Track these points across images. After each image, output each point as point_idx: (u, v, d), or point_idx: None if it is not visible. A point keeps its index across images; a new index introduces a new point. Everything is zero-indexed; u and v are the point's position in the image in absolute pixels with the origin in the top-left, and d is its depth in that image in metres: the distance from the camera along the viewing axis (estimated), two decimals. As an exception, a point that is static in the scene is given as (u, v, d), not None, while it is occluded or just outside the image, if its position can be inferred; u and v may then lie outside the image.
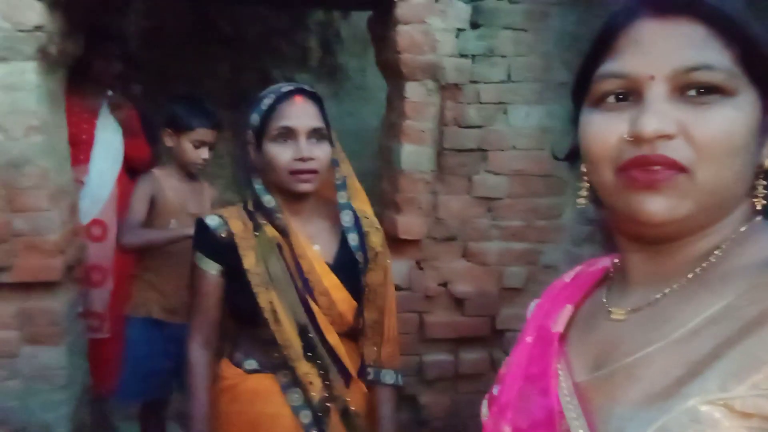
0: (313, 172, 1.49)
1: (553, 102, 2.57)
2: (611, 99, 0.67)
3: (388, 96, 2.72)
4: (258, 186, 1.54)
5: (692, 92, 0.62)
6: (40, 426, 2.31)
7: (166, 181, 2.38)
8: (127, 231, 2.35)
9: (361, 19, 3.67)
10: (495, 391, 0.80)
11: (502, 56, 2.52)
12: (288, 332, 1.49)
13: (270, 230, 1.53)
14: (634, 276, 0.71)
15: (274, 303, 1.49)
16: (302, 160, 1.47)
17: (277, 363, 1.53)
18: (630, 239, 0.70)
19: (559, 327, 0.76)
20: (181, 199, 2.37)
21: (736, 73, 0.62)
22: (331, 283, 1.53)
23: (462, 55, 2.48)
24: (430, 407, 2.70)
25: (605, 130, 0.66)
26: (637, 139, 0.62)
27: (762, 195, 0.65)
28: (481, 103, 2.53)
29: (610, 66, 0.67)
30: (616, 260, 0.77)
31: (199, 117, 2.32)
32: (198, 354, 1.57)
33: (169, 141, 2.36)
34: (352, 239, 1.59)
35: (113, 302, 2.80)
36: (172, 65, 3.98)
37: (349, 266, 1.58)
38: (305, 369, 1.51)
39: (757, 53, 0.63)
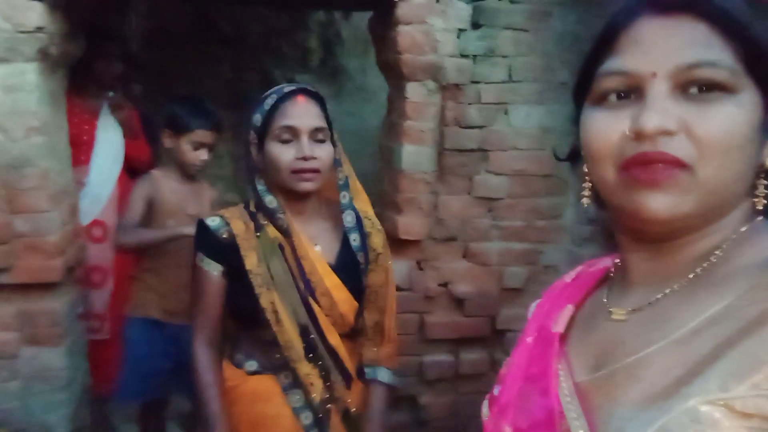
0: (315, 171, 1.49)
1: (554, 102, 2.56)
2: (613, 97, 0.67)
3: (388, 96, 2.72)
4: (260, 186, 1.54)
5: (694, 89, 0.62)
6: (40, 427, 2.30)
7: (164, 182, 2.38)
8: (123, 231, 2.35)
9: (361, 19, 3.67)
10: (495, 391, 0.79)
11: (503, 56, 2.52)
12: (289, 333, 1.49)
13: (272, 231, 1.53)
14: (634, 276, 0.71)
15: (276, 304, 1.49)
16: (304, 159, 1.47)
17: (278, 364, 1.53)
18: (631, 238, 0.70)
19: (559, 327, 0.75)
20: (179, 200, 2.37)
21: (738, 71, 0.62)
22: (332, 284, 1.53)
23: (463, 56, 2.48)
24: (431, 408, 2.70)
25: (607, 128, 0.66)
26: (638, 136, 0.62)
27: (762, 195, 0.65)
28: (481, 103, 2.53)
29: (611, 64, 0.67)
30: (617, 260, 0.77)
31: (198, 118, 2.32)
32: (204, 353, 1.57)
33: (168, 142, 2.36)
34: (354, 240, 1.59)
35: (113, 303, 2.80)
36: (173, 65, 3.98)
37: (350, 267, 1.58)
38: (306, 370, 1.51)
39: (758, 52, 0.63)
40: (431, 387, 2.70)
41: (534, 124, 2.58)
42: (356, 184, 1.65)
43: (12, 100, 2.16)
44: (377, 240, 1.64)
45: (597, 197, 0.72)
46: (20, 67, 2.14)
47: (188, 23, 4.06)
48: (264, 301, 1.48)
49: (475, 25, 2.50)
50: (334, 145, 1.55)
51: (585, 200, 0.73)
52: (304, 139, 1.48)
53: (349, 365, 1.58)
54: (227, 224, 1.53)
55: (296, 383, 1.52)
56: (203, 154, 2.35)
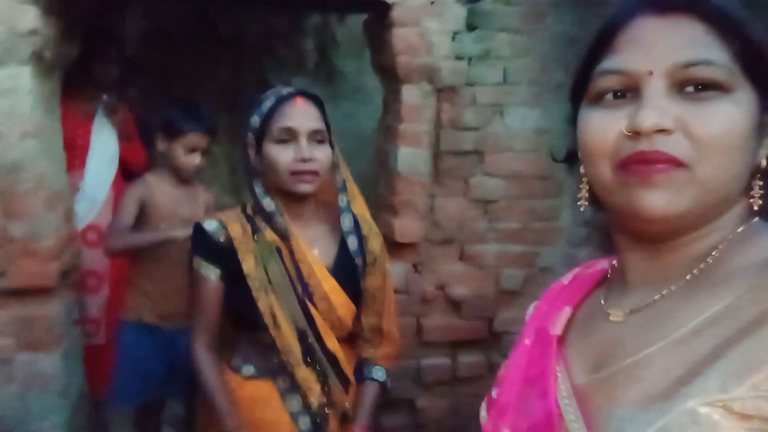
0: (314, 173, 1.49)
1: (549, 104, 2.57)
2: (610, 96, 0.67)
3: (384, 99, 2.72)
4: (258, 189, 1.54)
5: (690, 88, 0.62)
6: (36, 432, 2.29)
7: (157, 186, 2.37)
8: (112, 235, 2.35)
9: (357, 22, 3.66)
10: (494, 393, 0.79)
11: (499, 58, 2.53)
12: (287, 337, 1.48)
13: (269, 234, 1.52)
14: (632, 277, 0.71)
15: (274, 307, 1.48)
16: (303, 160, 1.47)
17: (276, 368, 1.52)
18: (629, 239, 0.70)
19: (557, 329, 0.75)
20: (172, 203, 2.36)
21: (735, 71, 0.62)
22: (330, 287, 1.53)
23: (458, 58, 2.49)
24: (428, 411, 2.69)
25: (604, 126, 0.66)
26: (635, 134, 0.62)
27: (758, 195, 0.65)
28: (477, 105, 2.53)
29: (608, 63, 0.67)
30: (615, 262, 0.77)
31: (191, 122, 2.31)
32: (204, 355, 1.56)
33: (161, 145, 2.35)
34: (352, 243, 1.59)
35: (109, 308, 2.79)
36: (172, 66, 3.97)
37: (348, 270, 1.58)
38: (304, 374, 1.50)
39: (755, 52, 0.63)
40: (429, 390, 2.69)
41: (530, 126, 2.58)
42: (353, 188, 1.65)
43: (6, 104, 2.14)
44: (375, 243, 1.63)
45: (594, 198, 0.72)
46: (14, 70, 2.13)
47: (187, 24, 4.05)
48: (262, 305, 1.48)
49: (471, 27, 2.50)
50: (332, 147, 1.55)
51: (581, 201, 0.73)
52: (303, 140, 1.47)
53: (348, 369, 1.58)
54: (224, 227, 1.53)
55: (294, 388, 1.51)
56: (196, 158, 2.34)
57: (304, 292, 1.52)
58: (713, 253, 0.65)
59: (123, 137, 3.01)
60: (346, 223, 1.59)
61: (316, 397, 1.51)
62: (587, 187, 0.72)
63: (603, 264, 0.82)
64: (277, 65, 4.32)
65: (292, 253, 1.53)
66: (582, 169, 0.71)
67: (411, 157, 2.51)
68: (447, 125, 2.53)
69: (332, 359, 1.54)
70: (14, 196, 2.19)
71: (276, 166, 1.48)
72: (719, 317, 0.58)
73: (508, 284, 2.66)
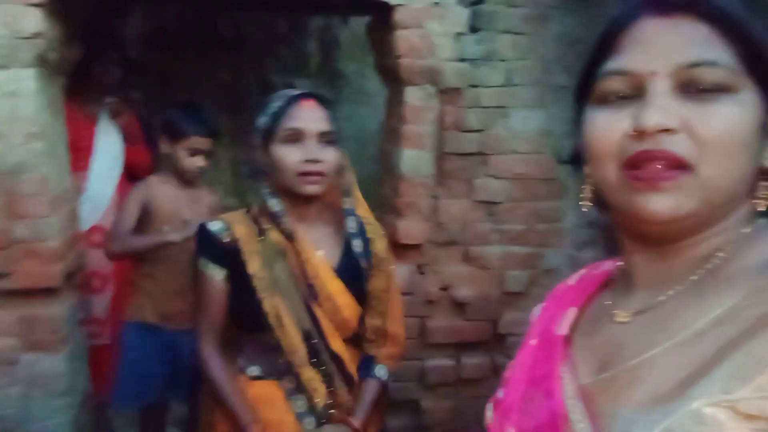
0: (321, 174, 1.49)
1: (553, 105, 2.57)
2: (614, 97, 0.67)
3: (387, 100, 2.72)
4: (264, 190, 1.54)
5: (694, 89, 0.62)
6: (40, 433, 2.30)
7: (160, 188, 2.38)
8: (113, 238, 2.36)
9: (360, 24, 3.67)
10: (500, 394, 0.79)
11: (502, 60, 2.52)
12: (292, 338, 1.49)
13: (274, 235, 1.53)
14: (638, 278, 0.71)
15: (279, 308, 1.48)
16: (310, 161, 1.47)
17: (281, 369, 1.52)
18: (634, 240, 0.70)
19: (563, 330, 0.75)
20: (175, 206, 2.37)
21: (738, 72, 0.62)
22: (335, 289, 1.53)
23: (461, 60, 2.48)
24: (432, 412, 2.69)
25: (608, 127, 0.66)
26: (639, 134, 0.62)
27: (763, 196, 0.65)
28: (480, 107, 2.53)
29: (612, 64, 0.67)
30: (620, 263, 0.77)
31: (194, 125, 2.31)
32: (213, 355, 1.56)
33: (164, 148, 2.36)
34: (357, 245, 1.59)
35: (113, 308, 2.80)
36: (173, 68, 3.98)
37: (352, 272, 1.58)
38: (309, 375, 1.50)
39: (758, 53, 0.63)
40: (433, 391, 2.69)
41: (533, 127, 2.58)
42: (357, 192, 1.65)
43: (11, 106, 2.15)
44: (379, 245, 1.64)
45: (599, 200, 0.72)
46: (18, 73, 2.14)
47: (188, 25, 4.06)
48: (267, 306, 1.48)
49: (473, 29, 2.50)
50: (339, 149, 1.55)
51: (585, 203, 0.73)
52: (311, 141, 1.48)
53: (352, 370, 1.58)
54: (229, 228, 1.53)
55: (299, 388, 1.52)
56: (199, 161, 2.34)
57: (309, 293, 1.52)
58: (718, 255, 0.65)
59: (127, 139, 3.02)
60: (351, 225, 1.60)
61: (321, 397, 1.51)
62: (590, 188, 0.72)
63: (608, 265, 0.82)
64: (280, 67, 4.32)
65: (297, 254, 1.53)
66: (586, 170, 0.71)
67: (414, 159, 2.51)
68: (450, 127, 2.53)
69: (337, 360, 1.54)
70: (19, 197, 2.20)
71: (283, 166, 1.48)
72: (724, 318, 0.58)
73: (513, 286, 2.66)
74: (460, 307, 2.65)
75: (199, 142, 2.33)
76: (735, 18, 0.63)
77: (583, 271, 0.85)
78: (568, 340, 0.75)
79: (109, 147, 2.95)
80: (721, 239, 0.65)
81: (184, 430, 2.76)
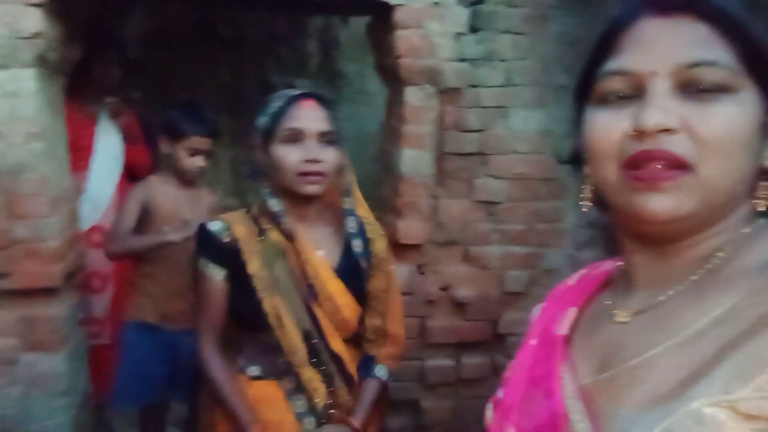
0: (321, 174, 1.49)
1: (552, 105, 2.57)
2: (614, 97, 0.67)
3: (387, 100, 2.72)
4: (264, 189, 1.54)
5: (694, 89, 0.62)
6: (40, 433, 2.30)
7: (160, 188, 2.38)
8: (113, 239, 2.36)
9: (360, 24, 3.67)
10: (500, 394, 0.79)
11: (502, 60, 2.52)
12: (292, 338, 1.49)
13: (274, 235, 1.53)
14: (638, 278, 0.71)
15: (279, 308, 1.48)
16: (310, 161, 1.47)
17: (281, 369, 1.52)
18: (634, 240, 0.70)
19: (563, 330, 0.75)
20: (174, 206, 2.37)
21: (738, 72, 0.62)
22: (335, 289, 1.53)
23: (461, 59, 2.48)
24: (432, 412, 2.69)
25: (608, 127, 0.66)
26: (639, 134, 0.62)
27: (764, 196, 0.65)
28: (480, 107, 2.53)
29: (612, 64, 0.67)
30: (620, 263, 0.77)
31: (194, 125, 2.31)
32: (213, 356, 1.56)
33: (164, 148, 2.36)
34: (357, 246, 1.59)
35: (113, 308, 2.80)
36: (173, 68, 3.98)
37: (352, 272, 1.58)
38: (309, 375, 1.50)
39: (758, 53, 0.63)
40: (433, 391, 2.69)
41: (533, 127, 2.58)
42: (357, 193, 1.65)
43: (11, 106, 2.15)
44: (379, 245, 1.64)
45: (599, 200, 0.72)
46: (18, 73, 2.14)
47: (188, 26, 4.06)
48: (267, 306, 1.48)
49: (473, 29, 2.50)
50: (339, 149, 1.55)
51: (584, 203, 0.73)
52: (311, 141, 1.48)
53: (352, 370, 1.58)
54: (229, 228, 1.53)
55: (299, 388, 1.52)
56: (199, 161, 2.34)
57: (309, 293, 1.52)
58: (718, 255, 0.65)
59: (127, 139, 3.02)
60: (352, 225, 1.60)
61: (321, 397, 1.51)
62: (590, 188, 0.72)
63: (609, 265, 0.82)
64: (280, 67, 4.33)
65: (297, 254, 1.53)
66: (586, 170, 0.71)
67: (414, 159, 2.51)
68: (450, 127, 2.53)
69: (337, 360, 1.54)
70: (19, 197, 2.20)
71: (283, 166, 1.48)
72: (724, 318, 0.58)
73: (513, 286, 2.66)
74: (460, 307, 2.65)
75: (199, 142, 2.33)
76: (735, 18, 0.63)
77: (583, 271, 0.85)
78: (568, 340, 0.75)
79: (109, 147, 2.95)
80: (721, 239, 0.65)
81: (184, 430, 2.76)
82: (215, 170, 3.75)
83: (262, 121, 1.52)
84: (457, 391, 2.70)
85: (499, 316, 2.66)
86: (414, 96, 2.47)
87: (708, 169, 0.61)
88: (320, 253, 1.56)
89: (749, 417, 0.51)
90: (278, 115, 1.50)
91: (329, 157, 1.50)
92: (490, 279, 2.64)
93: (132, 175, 2.99)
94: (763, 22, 0.65)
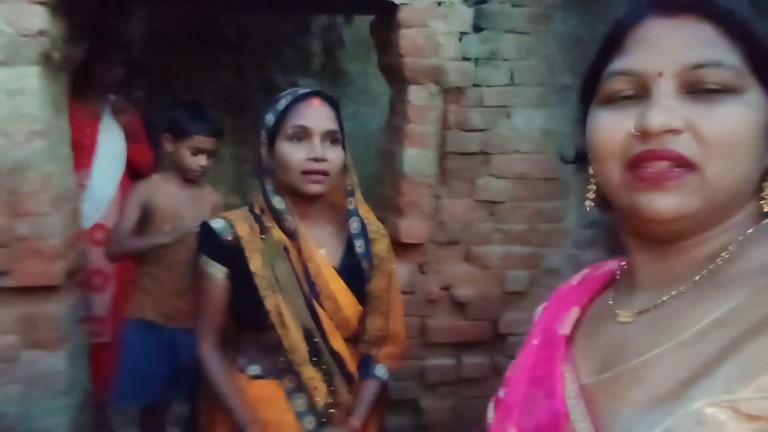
0: (325, 173, 1.49)
1: (556, 105, 2.56)
2: (619, 97, 0.67)
3: (390, 100, 2.72)
4: (268, 187, 1.54)
5: (699, 90, 0.62)
6: (40, 431, 2.30)
7: (162, 187, 2.38)
8: (111, 240, 2.37)
9: (363, 23, 3.67)
10: (501, 393, 0.79)
11: (505, 59, 2.52)
12: (294, 336, 1.48)
13: (277, 233, 1.52)
14: (640, 278, 0.71)
15: (281, 306, 1.48)
16: (315, 160, 1.47)
17: (281, 368, 1.52)
18: (637, 240, 0.70)
19: (565, 329, 0.75)
20: (176, 204, 2.37)
21: (744, 72, 0.62)
22: (337, 288, 1.53)
23: (465, 59, 2.48)
24: (432, 412, 2.69)
25: (612, 126, 0.66)
26: (643, 134, 0.62)
27: None
28: (483, 106, 2.53)
29: (618, 64, 0.67)
30: (623, 263, 0.77)
31: (197, 124, 2.31)
32: (212, 355, 1.56)
33: (168, 146, 2.36)
34: (359, 246, 1.59)
35: (114, 307, 2.80)
36: (176, 68, 3.99)
37: (354, 272, 1.58)
38: (310, 374, 1.50)
39: (764, 53, 0.63)
40: (433, 391, 2.69)
41: (536, 127, 2.58)
42: (358, 194, 1.65)
43: (14, 104, 2.16)
44: (381, 245, 1.64)
45: (602, 200, 0.72)
46: (22, 70, 2.14)
47: (191, 27, 4.06)
48: (269, 304, 1.48)
49: (477, 29, 2.50)
50: (344, 150, 1.55)
51: (588, 203, 0.73)
52: (317, 140, 1.48)
53: (352, 369, 1.58)
54: (232, 226, 1.53)
55: (300, 387, 1.51)
56: (202, 160, 2.34)
57: (311, 292, 1.52)
58: (723, 255, 0.64)
59: (130, 137, 3.02)
60: (354, 226, 1.59)
61: (322, 396, 1.51)
62: (595, 188, 0.72)
63: (611, 265, 0.81)
64: (283, 67, 4.33)
65: (299, 252, 1.53)
66: (590, 170, 0.71)
67: (417, 158, 2.51)
68: (453, 126, 2.52)
69: (338, 359, 1.54)
70: (21, 195, 2.20)
71: (288, 164, 1.48)
72: (727, 319, 0.58)
73: (514, 285, 2.65)
74: (460, 306, 2.65)
75: (202, 141, 2.33)
76: (740, 18, 0.63)
77: (585, 271, 0.85)
78: (570, 339, 0.75)
79: (111, 145, 2.95)
80: (725, 239, 0.65)
81: (184, 430, 2.76)
82: (217, 169, 3.76)
83: (269, 117, 1.52)
84: (457, 391, 2.70)
85: (499, 315, 2.66)
86: (417, 95, 2.47)
87: (712, 169, 0.61)
88: (322, 251, 1.56)
89: (750, 417, 0.51)
90: (285, 112, 1.50)
91: (334, 156, 1.50)
92: (491, 279, 2.64)
93: (134, 173, 2.99)
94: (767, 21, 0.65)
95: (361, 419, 1.56)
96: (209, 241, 1.54)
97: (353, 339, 1.61)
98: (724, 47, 0.62)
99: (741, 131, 0.61)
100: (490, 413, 0.80)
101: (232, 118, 3.87)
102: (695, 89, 0.62)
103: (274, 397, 1.53)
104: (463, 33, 2.47)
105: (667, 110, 0.61)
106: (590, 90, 0.71)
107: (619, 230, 0.73)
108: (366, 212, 1.66)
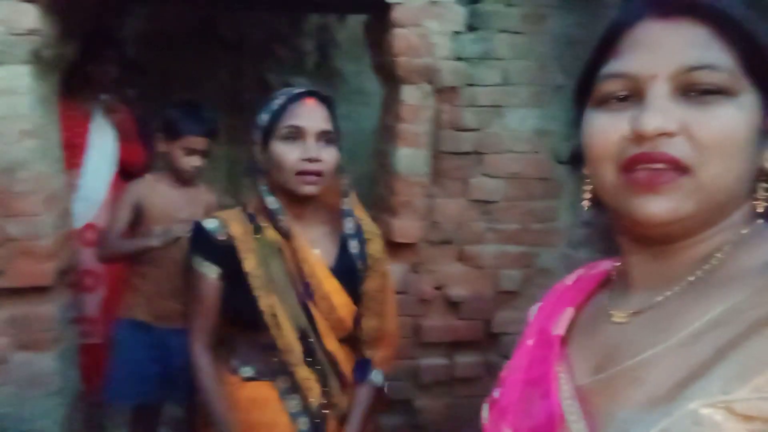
0: (319, 174, 1.48)
1: (549, 105, 2.57)
2: (614, 99, 0.67)
3: (383, 99, 2.72)
4: (262, 187, 1.53)
5: (694, 92, 0.62)
6: (32, 432, 2.29)
7: (155, 187, 2.36)
8: (102, 242, 2.36)
9: (357, 22, 3.67)
10: (496, 394, 0.79)
11: (498, 59, 2.53)
12: (288, 336, 1.48)
13: (271, 233, 1.52)
14: (635, 279, 0.71)
15: (275, 307, 1.47)
16: (310, 160, 1.46)
17: (275, 369, 1.51)
18: (632, 241, 0.70)
19: (560, 330, 0.75)
20: (169, 205, 2.35)
21: (738, 74, 0.62)
22: (331, 288, 1.52)
23: (458, 58, 2.49)
24: (426, 411, 2.69)
25: (607, 129, 0.66)
26: (638, 137, 0.62)
27: (762, 198, 0.65)
28: (477, 106, 2.53)
29: (612, 66, 0.67)
30: (618, 263, 0.77)
31: (190, 124, 2.30)
32: (203, 358, 1.55)
33: (161, 146, 2.35)
34: (354, 247, 1.58)
35: (106, 307, 2.79)
36: (172, 68, 3.98)
37: (348, 272, 1.57)
38: (305, 374, 1.50)
39: (758, 55, 0.63)
40: (426, 390, 2.69)
41: (529, 127, 2.58)
42: (353, 194, 1.64)
43: (5, 103, 2.14)
44: (375, 246, 1.63)
45: (598, 200, 0.72)
46: (13, 69, 2.13)
47: (187, 25, 4.06)
48: (263, 304, 1.47)
49: (471, 28, 2.50)
50: (339, 150, 1.54)
51: (585, 203, 0.73)
52: (311, 140, 1.47)
53: (346, 370, 1.57)
54: (225, 226, 1.52)
55: (294, 388, 1.51)
56: (195, 160, 2.33)
57: (305, 292, 1.51)
58: (717, 255, 0.64)
59: (122, 137, 3.00)
60: (349, 227, 1.59)
61: (316, 397, 1.51)
62: (591, 189, 0.72)
63: (606, 265, 0.81)
64: (277, 66, 4.33)
65: (294, 252, 1.52)
66: (585, 171, 0.71)
67: (410, 158, 2.51)
68: (446, 126, 2.53)
69: (332, 359, 1.53)
70: (12, 195, 2.18)
71: (282, 164, 1.47)
72: (722, 319, 0.58)
73: (507, 285, 2.66)
74: (454, 306, 2.65)
75: (195, 141, 2.31)
76: (735, 20, 0.63)
77: (580, 271, 0.85)
78: (564, 340, 0.75)
79: (103, 145, 2.94)
80: (719, 240, 0.65)
81: (178, 429, 2.75)
82: (211, 169, 3.75)
83: (263, 117, 1.51)
84: (450, 391, 2.70)
85: (493, 315, 2.67)
86: (411, 95, 2.47)
87: (706, 171, 0.61)
88: (316, 252, 1.55)
89: (747, 418, 0.51)
90: (279, 112, 1.49)
91: (328, 156, 1.49)
92: (484, 278, 2.64)
93: (126, 172, 2.97)
94: (764, 24, 0.65)
95: (356, 429, 1.56)
96: (202, 241, 1.53)
97: (348, 340, 1.61)
98: (718, 49, 0.62)
99: (735, 134, 0.61)
100: (485, 414, 0.80)
101: (227, 118, 3.86)
102: (689, 92, 0.62)
103: (268, 399, 1.52)
104: (456, 32, 2.47)
105: (661, 113, 0.61)
106: (585, 91, 0.71)
107: (614, 231, 0.73)
108: (360, 213, 1.65)
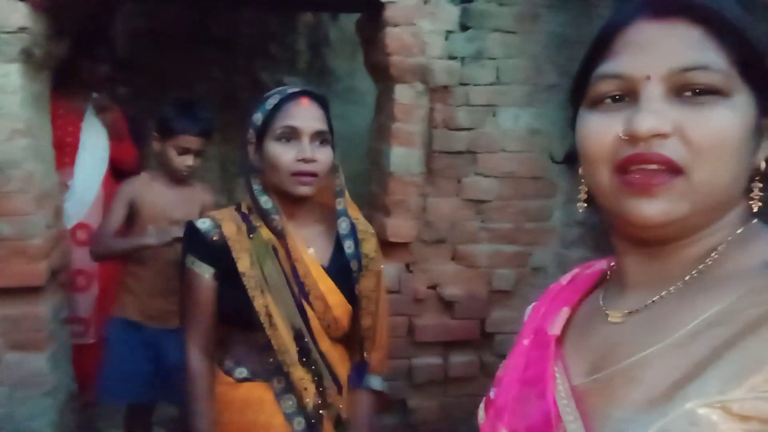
0: (314, 174, 1.47)
1: (542, 104, 2.57)
2: (608, 100, 0.67)
3: (377, 98, 2.72)
4: (256, 186, 1.52)
5: (688, 93, 0.62)
6: (24, 433, 2.28)
7: (149, 186, 2.35)
8: (96, 241, 2.35)
9: (350, 21, 3.67)
10: (492, 394, 0.79)
11: (492, 58, 2.53)
12: (283, 337, 1.47)
13: (265, 233, 1.51)
14: (631, 279, 0.71)
15: (270, 307, 1.47)
16: (304, 161, 1.45)
17: (270, 369, 1.51)
18: (627, 241, 0.70)
19: (555, 330, 0.75)
20: (163, 204, 2.35)
21: (732, 75, 0.62)
22: (326, 288, 1.52)
23: (451, 57, 2.49)
24: (420, 411, 2.69)
25: (601, 130, 0.66)
26: (632, 138, 0.62)
27: (757, 197, 0.65)
28: (470, 105, 2.54)
29: (606, 67, 0.67)
30: (613, 263, 0.77)
31: (184, 123, 2.29)
32: (198, 361, 1.54)
33: (155, 145, 2.34)
34: (348, 246, 1.58)
35: (98, 307, 2.78)
36: (165, 67, 3.96)
37: (343, 272, 1.57)
38: (300, 374, 1.49)
39: (752, 56, 0.63)
40: (420, 390, 2.69)
41: (522, 126, 2.59)
42: (347, 194, 1.64)
43: (-5, 102, 2.13)
44: (369, 245, 1.63)
45: (592, 200, 0.72)
46: (3, 68, 2.12)
47: (180, 25, 4.04)
48: (257, 304, 1.46)
49: (464, 27, 2.50)
50: (333, 150, 1.53)
51: (580, 204, 0.73)
52: (306, 140, 1.46)
53: (341, 371, 1.57)
54: (218, 226, 1.51)
55: (289, 388, 1.50)
56: (188, 160, 2.32)
57: (300, 292, 1.50)
58: (712, 255, 0.65)
59: (113, 136, 2.99)
60: (344, 227, 1.58)
61: (311, 397, 1.50)
62: (586, 189, 0.72)
63: (601, 265, 0.82)
64: (270, 65, 4.32)
65: (288, 252, 1.51)
66: (580, 171, 0.71)
67: (404, 157, 2.51)
68: (440, 125, 2.53)
69: (327, 360, 1.53)
70: (3, 194, 2.17)
71: (277, 164, 1.46)
72: (718, 319, 0.58)
73: (501, 284, 2.66)
74: (448, 305, 2.65)
75: (189, 141, 2.30)
76: (729, 21, 0.63)
77: (575, 271, 0.85)
78: (560, 340, 0.75)
79: (94, 144, 2.92)
80: (714, 240, 0.65)
81: (171, 429, 2.74)
82: (204, 168, 3.74)
83: (257, 116, 1.50)
84: (444, 390, 2.71)
85: (486, 314, 2.67)
86: (404, 94, 2.47)
87: (700, 173, 0.61)
88: (311, 251, 1.55)
89: (743, 418, 0.51)
90: (274, 112, 1.48)
91: (323, 157, 1.48)
92: (478, 277, 2.65)
93: (118, 172, 2.96)
94: (760, 25, 0.65)
95: None
96: (195, 241, 1.52)
97: (342, 340, 1.60)
98: (712, 50, 0.62)
99: (729, 135, 0.61)
100: (481, 414, 0.80)
101: (220, 117, 3.84)
102: (683, 92, 0.62)
103: (263, 400, 1.51)
104: (449, 31, 2.47)
105: (655, 114, 0.61)
106: (580, 91, 0.71)
107: (608, 231, 0.73)
108: (354, 212, 1.65)
